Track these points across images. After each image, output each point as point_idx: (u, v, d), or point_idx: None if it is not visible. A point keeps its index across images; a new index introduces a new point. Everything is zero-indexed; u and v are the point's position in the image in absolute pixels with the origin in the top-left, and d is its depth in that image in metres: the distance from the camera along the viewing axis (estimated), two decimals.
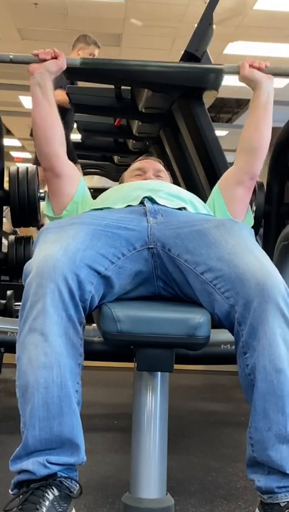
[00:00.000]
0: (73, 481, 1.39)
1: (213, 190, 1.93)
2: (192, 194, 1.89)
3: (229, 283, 1.44)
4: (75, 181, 1.86)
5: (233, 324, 1.44)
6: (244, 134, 1.88)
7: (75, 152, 5.16)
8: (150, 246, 1.56)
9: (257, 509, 1.46)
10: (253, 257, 1.47)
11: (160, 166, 2.04)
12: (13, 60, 1.98)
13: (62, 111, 5.18)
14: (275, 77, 1.90)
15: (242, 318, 1.41)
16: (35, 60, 1.85)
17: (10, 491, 1.39)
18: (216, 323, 1.49)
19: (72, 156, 5.18)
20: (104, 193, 1.89)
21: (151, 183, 1.89)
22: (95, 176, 6.66)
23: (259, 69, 1.87)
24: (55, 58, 1.85)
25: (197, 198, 1.88)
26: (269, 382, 1.37)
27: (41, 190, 2.77)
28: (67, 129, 4.92)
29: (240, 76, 1.90)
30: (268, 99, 1.87)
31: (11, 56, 1.97)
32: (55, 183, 1.83)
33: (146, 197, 1.70)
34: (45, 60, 1.84)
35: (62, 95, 4.72)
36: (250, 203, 2.19)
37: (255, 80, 1.87)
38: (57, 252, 1.41)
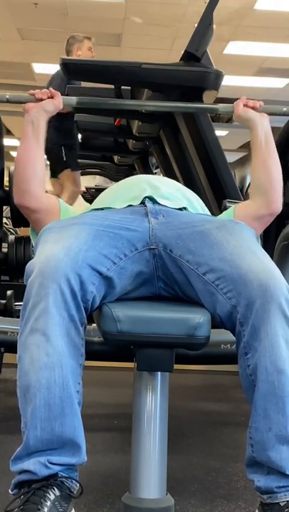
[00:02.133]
0: (74, 481, 1.39)
1: (227, 212, 1.86)
2: (191, 191, 1.89)
3: (231, 283, 1.44)
4: (54, 212, 1.77)
5: (234, 325, 1.44)
6: (253, 175, 1.84)
7: (77, 160, 5.18)
8: (152, 247, 1.56)
9: (257, 509, 1.46)
10: (255, 257, 1.47)
11: None
12: (10, 100, 1.98)
13: (63, 117, 5.18)
14: (269, 115, 1.88)
15: (244, 319, 1.41)
16: (32, 100, 1.84)
17: (10, 491, 1.39)
18: (217, 324, 1.49)
19: (75, 164, 5.19)
20: (103, 192, 1.89)
21: (148, 177, 1.88)
22: (97, 176, 6.67)
23: (253, 108, 1.86)
24: (51, 98, 1.84)
25: (197, 197, 1.88)
26: (270, 382, 1.37)
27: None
28: (72, 138, 4.93)
29: (234, 115, 1.89)
30: (266, 138, 1.83)
31: (7, 96, 1.98)
32: (33, 217, 1.77)
33: (147, 197, 1.70)
34: (41, 100, 1.83)
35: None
36: None
37: (250, 119, 1.84)
38: (59, 252, 1.41)
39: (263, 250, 1.55)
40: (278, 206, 1.78)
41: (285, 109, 2.05)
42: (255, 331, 1.39)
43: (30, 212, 1.76)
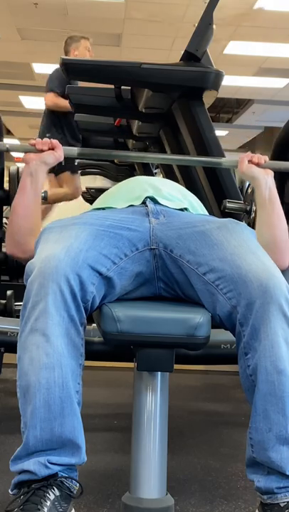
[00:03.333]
0: (74, 481, 1.39)
1: None
2: (191, 194, 1.89)
3: (231, 284, 1.44)
4: None
5: (234, 325, 1.44)
6: (258, 230, 1.76)
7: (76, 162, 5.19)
8: (152, 247, 1.56)
9: (257, 509, 1.46)
10: (255, 258, 1.47)
11: None
12: (10, 150, 1.97)
13: (64, 115, 5.17)
14: (273, 170, 1.84)
15: (244, 319, 1.41)
16: (32, 150, 1.82)
17: (10, 491, 1.39)
18: (217, 324, 1.49)
19: (74, 166, 5.21)
20: (105, 192, 1.89)
21: (149, 179, 1.88)
22: (98, 176, 6.67)
23: (258, 164, 1.82)
24: (52, 149, 1.81)
25: (197, 199, 1.88)
26: (270, 383, 1.37)
27: (42, 190, 2.77)
28: (75, 141, 4.95)
29: (238, 171, 1.87)
30: (270, 195, 1.79)
31: (7, 146, 1.96)
32: (25, 262, 1.63)
33: (148, 197, 1.70)
34: (42, 151, 1.80)
35: (55, 99, 4.74)
36: (251, 203, 2.20)
37: (254, 176, 1.81)
38: (59, 252, 1.41)
39: (264, 250, 1.55)
40: (284, 264, 1.72)
41: None
42: (255, 331, 1.39)
43: (23, 260, 1.69)
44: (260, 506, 1.44)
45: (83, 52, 5.11)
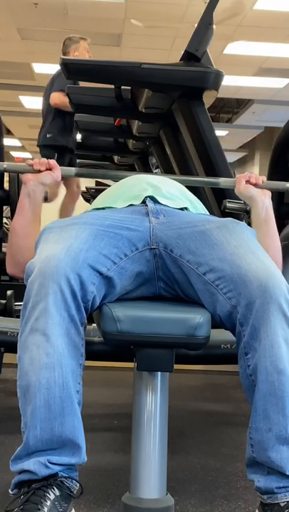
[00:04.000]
0: (74, 481, 1.39)
1: None
2: (191, 193, 1.89)
3: (231, 283, 1.44)
4: None
5: (234, 325, 1.44)
6: None
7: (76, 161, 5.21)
8: (152, 246, 1.56)
9: (257, 510, 1.46)
10: (255, 257, 1.47)
11: None
12: (7, 170, 1.98)
13: (65, 114, 5.18)
14: (271, 191, 1.85)
15: (244, 319, 1.41)
16: (30, 170, 1.82)
17: (10, 491, 1.39)
18: (217, 324, 1.49)
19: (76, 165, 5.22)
20: (104, 191, 1.88)
21: (149, 177, 1.88)
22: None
23: (255, 185, 1.83)
24: (50, 169, 1.82)
25: (197, 199, 1.88)
26: (270, 383, 1.37)
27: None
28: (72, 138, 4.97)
29: (236, 191, 1.88)
30: (266, 215, 1.81)
31: (4, 165, 1.96)
32: (22, 277, 1.63)
33: (148, 196, 1.70)
34: (39, 171, 1.81)
35: (63, 98, 4.74)
36: None
37: (251, 196, 1.82)
38: (59, 252, 1.41)
39: (264, 250, 1.55)
40: None
41: (288, 185, 2.00)
42: (255, 331, 1.39)
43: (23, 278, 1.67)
44: (260, 506, 1.44)
45: (83, 53, 5.13)
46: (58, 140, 5.06)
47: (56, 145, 5.04)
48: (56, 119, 5.05)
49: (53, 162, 1.83)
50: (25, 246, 1.70)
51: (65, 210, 5.42)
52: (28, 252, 1.61)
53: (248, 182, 1.84)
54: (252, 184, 1.84)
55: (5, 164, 1.97)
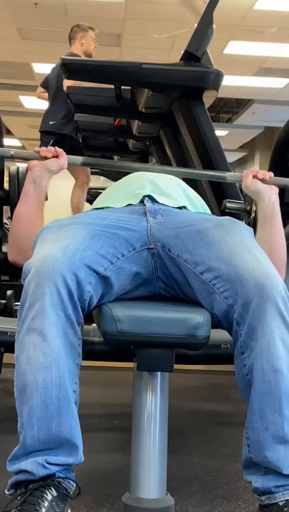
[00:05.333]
0: (71, 482, 1.39)
1: None
2: (191, 189, 1.88)
3: (228, 283, 1.44)
4: None
5: (231, 324, 1.44)
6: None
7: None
8: (150, 246, 1.56)
9: (257, 510, 1.46)
10: (252, 256, 1.47)
11: None
12: (14, 156, 1.97)
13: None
14: (278, 187, 1.83)
15: (240, 318, 1.41)
16: (36, 157, 1.82)
17: (6, 491, 1.38)
18: (214, 323, 1.49)
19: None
20: (105, 190, 1.89)
21: (149, 175, 1.87)
22: (101, 177, 6.68)
23: (262, 180, 1.82)
24: (56, 157, 1.81)
25: (197, 195, 1.88)
26: (266, 382, 1.37)
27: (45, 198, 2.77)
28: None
29: (242, 185, 1.86)
30: (272, 211, 1.78)
31: (11, 152, 1.96)
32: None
33: (146, 195, 1.70)
34: (46, 158, 1.81)
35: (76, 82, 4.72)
36: (251, 203, 2.20)
37: (258, 191, 1.80)
38: (56, 252, 1.41)
39: (261, 249, 1.54)
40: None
41: None
42: (252, 330, 1.39)
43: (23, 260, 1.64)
44: (259, 509, 1.44)
45: (89, 42, 5.11)
46: (60, 128, 5.04)
47: (58, 133, 5.02)
48: (62, 107, 5.00)
49: (59, 150, 1.83)
50: (29, 232, 1.66)
51: (77, 200, 5.37)
52: (32, 239, 1.59)
53: (255, 177, 1.83)
54: (259, 179, 1.82)
55: (12, 151, 1.97)
